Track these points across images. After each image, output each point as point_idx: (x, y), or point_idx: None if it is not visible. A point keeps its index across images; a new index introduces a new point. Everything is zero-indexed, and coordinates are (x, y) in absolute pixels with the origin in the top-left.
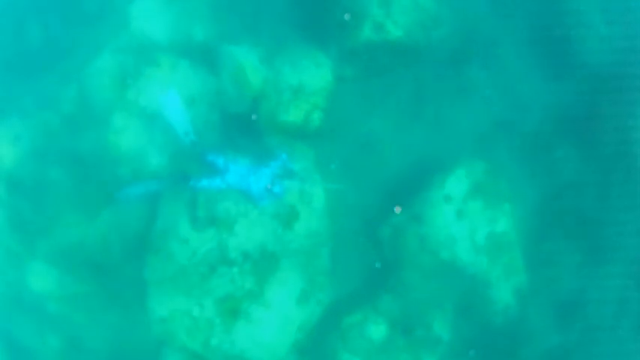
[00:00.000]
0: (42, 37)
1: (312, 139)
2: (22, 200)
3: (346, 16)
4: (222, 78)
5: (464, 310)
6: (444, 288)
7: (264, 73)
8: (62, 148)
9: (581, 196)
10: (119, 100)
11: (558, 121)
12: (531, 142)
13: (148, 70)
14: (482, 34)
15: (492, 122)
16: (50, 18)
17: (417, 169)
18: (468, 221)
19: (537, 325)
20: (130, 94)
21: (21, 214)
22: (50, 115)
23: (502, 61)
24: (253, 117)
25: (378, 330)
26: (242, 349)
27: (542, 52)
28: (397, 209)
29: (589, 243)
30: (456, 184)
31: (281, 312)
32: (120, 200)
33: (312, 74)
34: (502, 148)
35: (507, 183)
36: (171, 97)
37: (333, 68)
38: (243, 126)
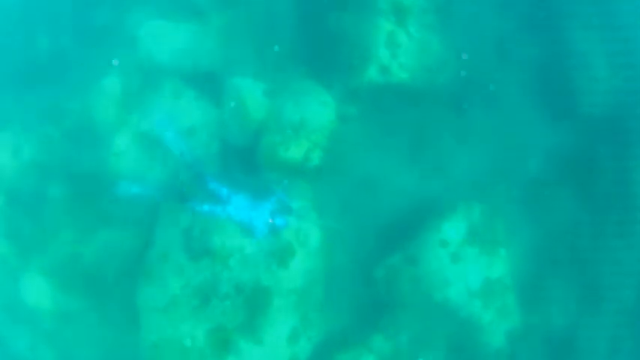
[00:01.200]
0: (51, 50)
1: (311, 177)
2: (20, 212)
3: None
4: (225, 109)
5: (455, 352)
6: (436, 329)
7: (267, 107)
8: (62, 163)
9: (577, 238)
10: (121, 122)
11: (556, 164)
12: (529, 185)
13: (151, 95)
14: (485, 79)
15: (491, 166)
16: (60, 32)
17: (414, 211)
18: (463, 265)
19: None
20: (133, 117)
21: (18, 226)
22: (52, 129)
23: (503, 105)
24: None
25: None
26: None
27: (543, 93)
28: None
29: (583, 287)
30: (453, 228)
31: (271, 347)
32: (116, 193)
33: (315, 111)
34: (500, 192)
35: (504, 227)
36: (164, 117)
37: (336, 107)
38: (243, 158)
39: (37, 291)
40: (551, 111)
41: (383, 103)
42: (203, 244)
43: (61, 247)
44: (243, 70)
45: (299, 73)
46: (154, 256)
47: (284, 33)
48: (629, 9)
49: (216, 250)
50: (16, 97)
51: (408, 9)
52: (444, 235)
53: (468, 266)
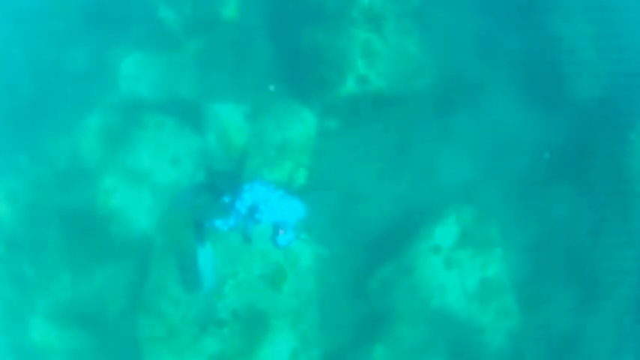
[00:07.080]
0: (34, 92)
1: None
2: (20, 257)
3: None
4: (208, 137)
5: (457, 356)
6: (436, 335)
7: (249, 131)
8: (56, 205)
9: (574, 233)
10: (108, 160)
11: (549, 160)
12: (522, 182)
13: (135, 131)
14: (467, 79)
15: (480, 166)
16: (42, 74)
17: (404, 219)
18: (458, 269)
19: None
20: (119, 154)
21: (20, 270)
22: (44, 171)
23: (488, 104)
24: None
25: None
26: None
27: (529, 84)
28: None
29: (583, 281)
30: (445, 233)
31: None
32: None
33: (296, 131)
34: (491, 192)
35: (497, 227)
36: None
37: (317, 123)
38: (229, 184)
39: (43, 332)
40: (539, 102)
41: (363, 112)
42: (196, 274)
43: (62, 288)
44: (222, 96)
45: (278, 93)
46: (149, 289)
47: (259, 54)
48: None
49: None
50: (6, 142)
51: (382, 16)
52: (435, 240)
53: (463, 269)
